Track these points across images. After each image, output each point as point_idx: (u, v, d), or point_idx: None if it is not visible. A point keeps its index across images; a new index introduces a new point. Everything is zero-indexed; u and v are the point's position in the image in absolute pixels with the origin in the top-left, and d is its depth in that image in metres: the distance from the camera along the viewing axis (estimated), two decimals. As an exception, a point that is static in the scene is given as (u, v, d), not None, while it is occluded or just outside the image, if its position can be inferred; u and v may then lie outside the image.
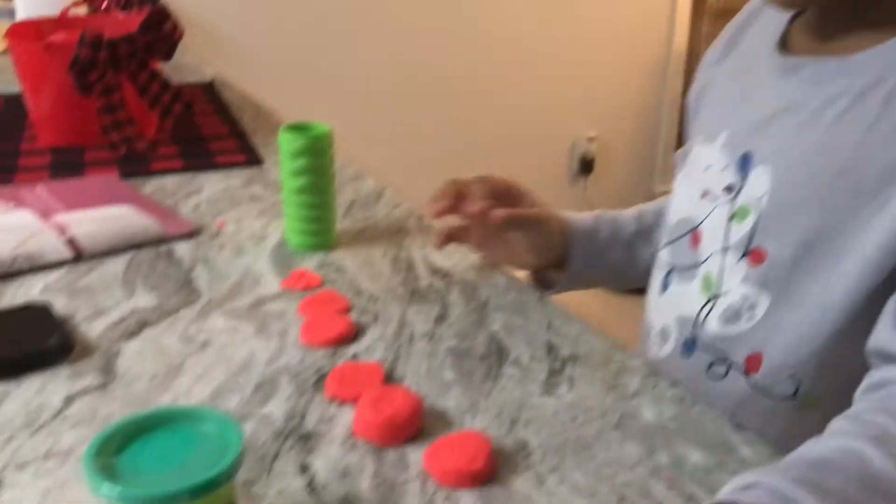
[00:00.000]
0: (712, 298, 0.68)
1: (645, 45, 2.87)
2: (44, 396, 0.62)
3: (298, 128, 0.86)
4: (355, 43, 2.46)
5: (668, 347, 0.73)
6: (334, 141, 0.87)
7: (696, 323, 0.69)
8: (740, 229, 0.66)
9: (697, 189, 0.72)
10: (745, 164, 0.67)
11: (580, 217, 0.87)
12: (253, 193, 1.06)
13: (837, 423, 0.51)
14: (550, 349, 0.70)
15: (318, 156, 0.85)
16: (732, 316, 0.66)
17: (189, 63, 1.74)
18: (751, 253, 0.65)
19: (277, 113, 1.45)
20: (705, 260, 0.70)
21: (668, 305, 0.73)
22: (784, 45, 0.70)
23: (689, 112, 0.82)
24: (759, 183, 0.65)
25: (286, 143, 0.84)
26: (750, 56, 0.74)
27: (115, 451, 0.43)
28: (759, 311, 0.64)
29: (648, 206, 0.89)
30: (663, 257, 0.76)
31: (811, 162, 0.63)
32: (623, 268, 0.88)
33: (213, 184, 1.09)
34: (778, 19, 0.72)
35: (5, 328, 0.69)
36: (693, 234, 0.72)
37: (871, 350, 0.57)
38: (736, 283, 0.66)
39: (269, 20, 2.34)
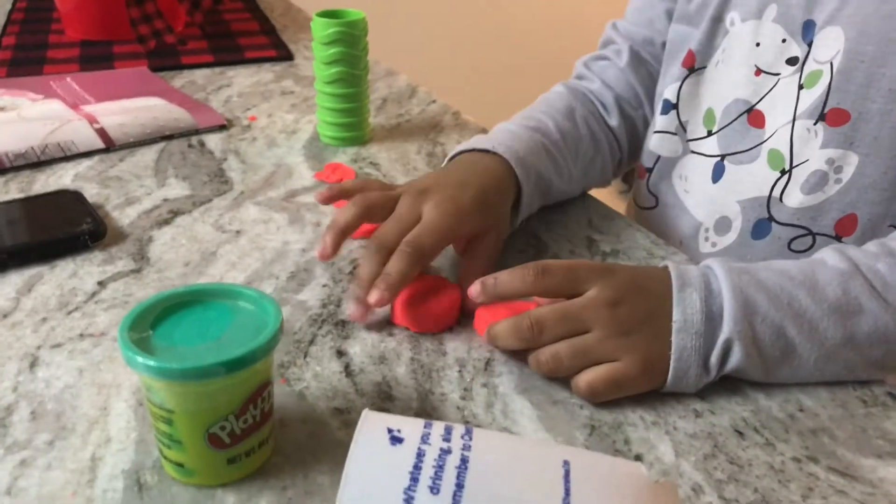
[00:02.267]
0: (785, 172, 0.65)
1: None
2: (77, 280, 0.61)
3: (332, 14, 0.83)
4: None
5: (732, 236, 0.70)
6: (368, 32, 0.84)
7: (771, 201, 0.67)
8: (810, 95, 0.64)
9: (747, 68, 0.69)
10: (807, 31, 0.65)
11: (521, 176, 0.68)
12: (284, 88, 1.03)
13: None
14: (591, 244, 0.68)
15: (351, 43, 0.82)
16: (816, 183, 0.64)
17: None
18: (827, 116, 0.63)
19: (308, 10, 1.40)
20: (770, 136, 0.67)
21: (727, 192, 0.70)
22: None
23: None
24: (827, 45, 0.63)
25: (319, 29, 0.81)
26: None
27: (150, 325, 0.42)
28: (848, 172, 0.63)
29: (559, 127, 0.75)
30: (706, 147, 0.72)
31: (881, 11, 0.60)
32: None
33: (243, 78, 1.07)
34: None
35: (38, 213, 0.69)
36: (750, 113, 0.69)
37: None
38: (814, 149, 0.64)
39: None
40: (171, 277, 0.62)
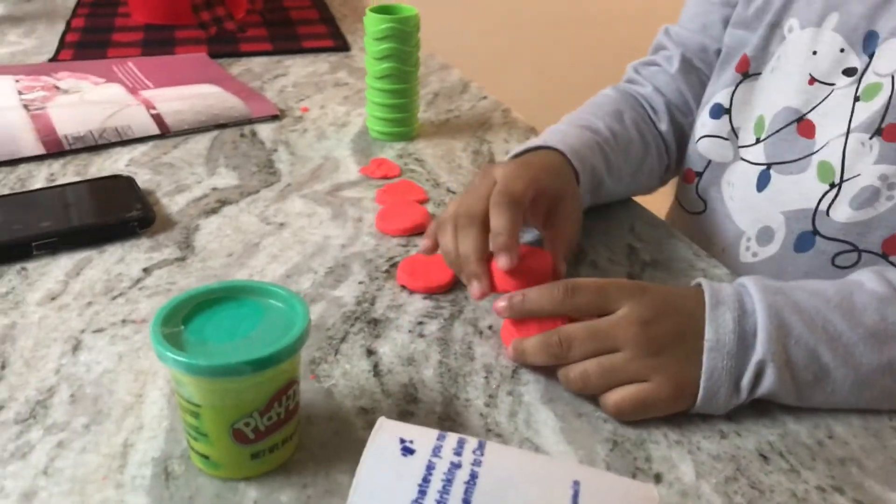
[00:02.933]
0: (834, 186, 0.64)
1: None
2: (124, 266, 0.63)
3: (385, 10, 0.84)
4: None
5: (774, 247, 0.69)
6: (421, 28, 0.84)
7: (817, 214, 0.65)
8: (867, 108, 0.62)
9: (801, 76, 0.67)
10: (869, 42, 0.63)
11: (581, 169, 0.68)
12: (338, 79, 1.05)
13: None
14: (631, 252, 0.68)
15: (402, 39, 0.82)
16: (867, 199, 0.62)
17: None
18: (885, 130, 0.61)
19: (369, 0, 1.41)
20: (821, 148, 0.65)
21: (771, 203, 0.69)
22: None
23: None
24: (889, 58, 0.61)
25: (371, 24, 0.82)
26: None
27: (182, 320, 0.43)
28: None
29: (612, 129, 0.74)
30: (753, 155, 0.71)
31: None
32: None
33: (299, 67, 1.08)
34: None
35: (91, 198, 0.71)
36: (800, 123, 0.67)
37: None
38: (867, 164, 0.62)
39: None
40: (214, 267, 0.63)
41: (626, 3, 2.65)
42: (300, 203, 0.74)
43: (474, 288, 0.55)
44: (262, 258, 0.65)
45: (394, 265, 0.64)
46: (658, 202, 0.82)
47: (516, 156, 0.68)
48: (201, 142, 0.85)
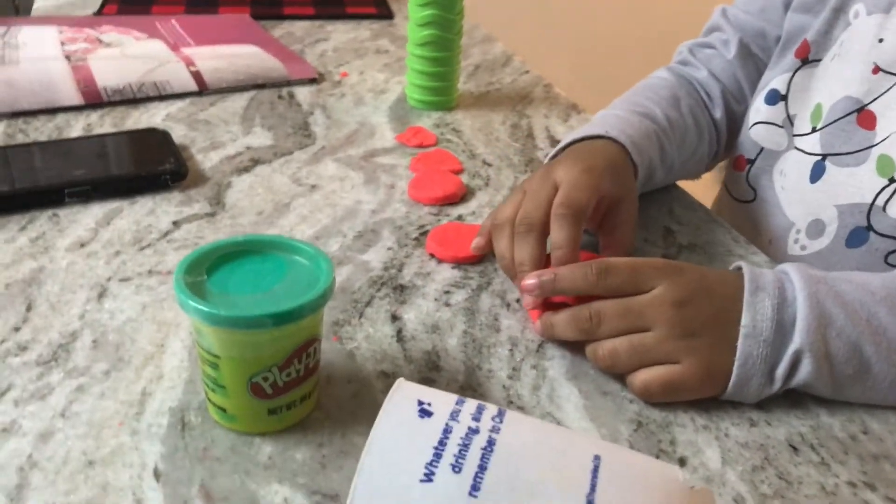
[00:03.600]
0: (893, 181, 0.61)
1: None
2: (154, 218, 0.63)
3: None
4: None
5: (825, 240, 0.66)
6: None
7: (873, 209, 0.63)
8: None
9: (864, 64, 0.64)
10: None
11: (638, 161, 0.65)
12: (379, 46, 1.03)
13: None
14: (668, 235, 0.66)
15: (446, 6, 0.81)
16: None
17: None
18: None
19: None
20: (882, 141, 0.62)
21: (825, 195, 0.66)
22: None
23: None
24: None
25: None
26: None
27: (207, 270, 0.42)
28: None
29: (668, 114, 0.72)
30: (809, 144, 0.68)
31: None
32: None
33: (341, 33, 1.07)
34: None
35: (126, 149, 0.71)
36: (860, 113, 0.64)
37: None
38: None
39: None
40: (244, 224, 0.63)
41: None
42: (333, 166, 0.73)
43: (527, 298, 0.53)
44: (291, 218, 0.64)
45: (424, 233, 0.63)
46: (702, 189, 0.80)
47: (573, 142, 0.65)
48: (238, 101, 0.85)
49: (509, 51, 1.05)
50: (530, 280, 0.51)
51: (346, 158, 0.74)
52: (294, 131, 0.79)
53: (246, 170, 0.71)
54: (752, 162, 0.74)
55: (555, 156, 0.65)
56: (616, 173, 0.60)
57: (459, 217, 0.66)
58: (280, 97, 0.86)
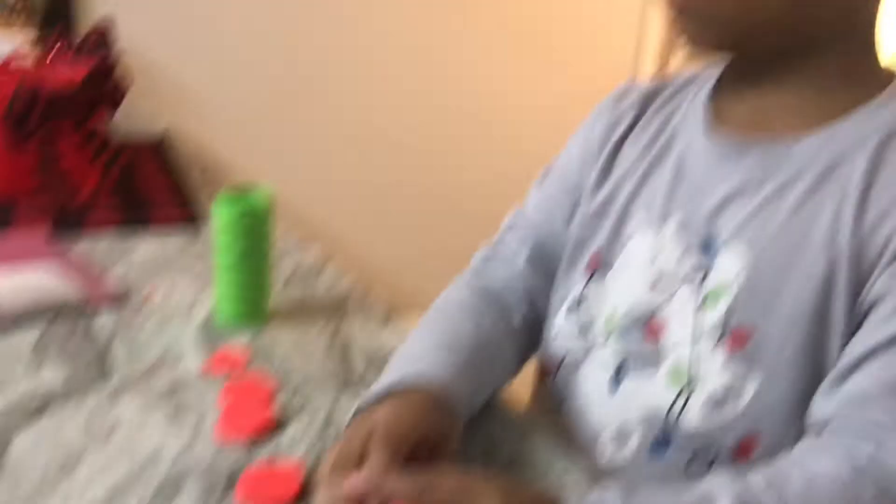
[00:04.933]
0: (685, 389, 0.64)
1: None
2: (-85, 493, 0.55)
3: (237, 195, 0.82)
4: (320, 96, 2.43)
5: (630, 449, 0.68)
6: (276, 207, 0.83)
7: (669, 418, 0.65)
8: (713, 314, 0.63)
9: (646, 276, 0.68)
10: (708, 247, 0.65)
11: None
12: (188, 258, 1.01)
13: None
14: (490, 448, 0.65)
15: (254, 228, 0.80)
16: (717, 404, 0.62)
17: (141, 113, 1.69)
18: (730, 335, 0.62)
19: (230, 169, 1.40)
20: (669, 351, 0.66)
21: (624, 405, 0.68)
22: (711, 125, 0.69)
23: (597, 149, 0.77)
24: (729, 263, 0.64)
25: (221, 212, 0.80)
26: (673, 135, 0.71)
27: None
28: (748, 394, 0.62)
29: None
30: (604, 356, 0.70)
31: (783, 239, 0.62)
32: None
33: (148, 245, 1.04)
34: (696, 101, 0.71)
35: None
36: (648, 324, 0.68)
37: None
38: (715, 369, 0.63)
39: (228, 71, 2.29)
40: (26, 490, 0.56)
41: (482, 173, 2.76)
42: (133, 406, 0.68)
43: None
44: (83, 473, 0.59)
45: (235, 477, 0.59)
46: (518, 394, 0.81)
47: (378, 399, 0.60)
48: (28, 333, 0.78)
49: (324, 255, 1.05)
50: (351, 482, 0.49)
51: (147, 395, 0.70)
52: (90, 365, 0.74)
53: (33, 417, 0.65)
54: (556, 370, 0.76)
55: (364, 406, 0.62)
56: (431, 416, 0.59)
57: (275, 449, 0.63)
58: (77, 325, 0.81)
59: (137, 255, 1.00)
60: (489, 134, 2.74)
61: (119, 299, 0.87)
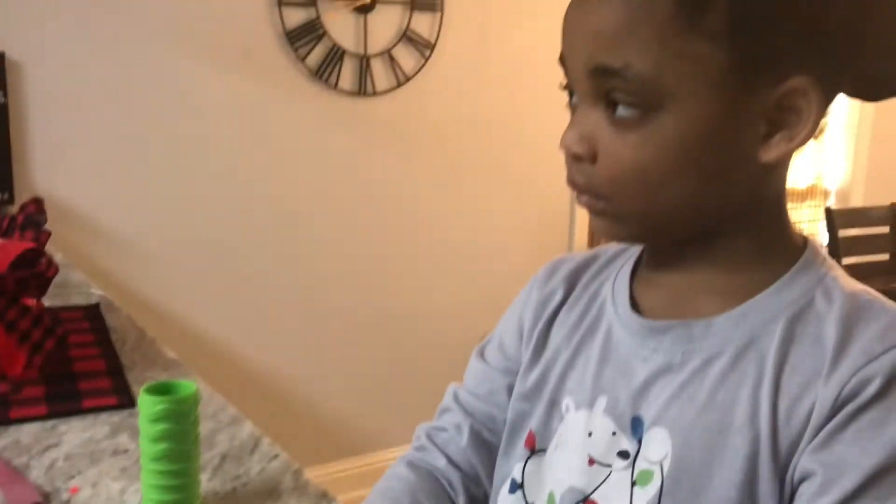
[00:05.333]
0: None
1: (547, 241, 2.95)
2: None
3: (162, 387, 0.81)
4: (265, 257, 2.44)
5: None
6: (200, 399, 0.82)
7: None
8: (644, 494, 0.63)
9: (581, 456, 0.69)
10: (636, 428, 0.65)
11: None
12: (118, 445, 0.99)
13: None
14: None
15: (179, 419, 0.79)
16: None
17: (77, 282, 1.69)
18: None
19: (167, 335, 1.39)
20: None
21: None
22: (634, 304, 0.70)
23: (529, 327, 0.78)
24: (656, 446, 0.63)
25: (146, 406, 0.79)
26: (600, 312, 0.73)
27: None
28: None
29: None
30: None
31: (705, 420, 0.62)
32: None
33: (75, 433, 1.01)
34: (619, 279, 0.73)
35: None
36: (585, 503, 0.67)
37: None
38: None
39: (167, 238, 2.30)
40: None
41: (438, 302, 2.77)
42: None
43: None
44: None
45: None
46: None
47: None
48: (-57, 548, 0.75)
49: (257, 432, 1.04)
50: None
51: None
52: (8, 581, 0.70)
53: None
54: None
55: None
56: None
57: None
58: (-5, 534, 0.78)
59: (65, 445, 0.98)
60: (442, 277, 2.78)
61: (41, 502, 0.84)
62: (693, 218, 0.64)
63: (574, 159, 0.64)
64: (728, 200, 0.63)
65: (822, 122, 0.63)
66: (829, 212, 3.07)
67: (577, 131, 0.62)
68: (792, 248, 0.66)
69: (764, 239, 0.65)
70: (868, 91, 0.65)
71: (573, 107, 0.65)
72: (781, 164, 0.63)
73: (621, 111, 0.60)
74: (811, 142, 0.62)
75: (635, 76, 0.58)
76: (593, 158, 0.62)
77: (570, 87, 0.65)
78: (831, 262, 0.66)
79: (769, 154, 0.61)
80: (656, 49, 0.58)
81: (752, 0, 0.57)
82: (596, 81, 0.60)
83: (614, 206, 0.64)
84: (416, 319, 2.75)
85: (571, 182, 0.66)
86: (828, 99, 0.61)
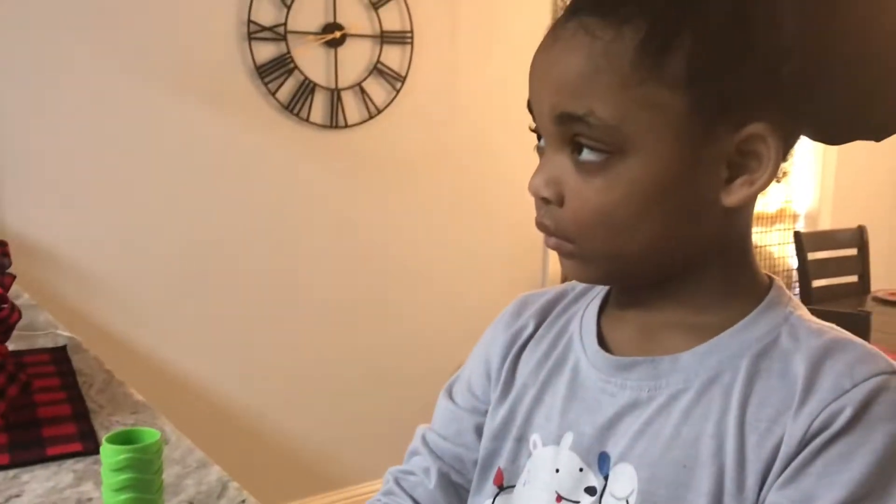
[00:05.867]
0: None
1: (521, 271, 2.96)
2: None
3: (125, 436, 0.80)
4: (228, 304, 2.42)
5: None
6: (163, 448, 0.81)
7: None
8: None
9: (548, 493, 0.69)
10: (602, 464, 0.66)
11: None
12: (82, 494, 0.97)
13: None
14: None
15: (143, 469, 0.78)
16: None
17: (43, 324, 1.67)
18: None
19: (133, 375, 1.37)
20: None
21: None
22: (601, 340, 0.71)
23: (497, 366, 0.78)
24: (622, 482, 0.64)
25: (108, 456, 0.78)
26: (567, 348, 0.73)
27: None
28: None
29: None
30: None
31: (670, 455, 0.62)
32: None
33: (39, 482, 1.00)
34: (586, 315, 0.74)
35: None
36: None
37: None
38: None
39: (136, 274, 2.28)
40: None
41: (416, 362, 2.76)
42: None
43: None
44: None
45: None
46: None
47: None
48: None
49: (224, 476, 1.02)
50: None
51: None
52: None
53: None
54: None
55: None
56: None
57: None
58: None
59: (28, 495, 0.96)
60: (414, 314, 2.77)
61: (2, 554, 0.82)
62: (659, 259, 0.65)
63: (542, 202, 0.65)
64: (693, 242, 0.64)
65: (784, 165, 0.64)
66: (797, 235, 3.11)
67: (545, 175, 0.64)
68: (757, 286, 0.67)
69: (730, 278, 0.66)
70: (826, 136, 0.67)
71: (541, 150, 0.66)
72: (745, 207, 0.64)
73: (587, 155, 0.61)
74: (773, 183, 0.63)
75: (599, 123, 0.59)
76: (561, 202, 0.63)
77: (537, 131, 0.66)
78: (796, 301, 0.67)
79: (731, 198, 0.62)
80: (619, 96, 0.59)
81: (710, 50, 0.58)
82: (561, 127, 0.62)
83: (581, 248, 0.65)
84: (391, 351, 2.74)
85: (540, 224, 0.67)
86: (787, 144, 0.63)
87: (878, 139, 0.66)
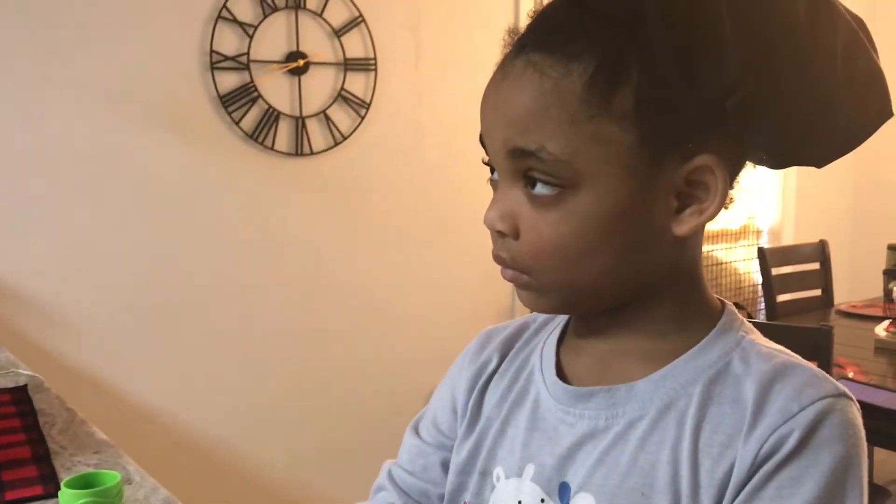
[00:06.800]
0: None
1: (490, 296, 2.96)
2: None
3: (85, 479, 0.79)
4: (202, 333, 2.41)
5: None
6: (124, 489, 0.80)
7: None
8: None
9: None
10: (563, 494, 0.66)
11: None
12: (43, 538, 0.95)
13: None
14: None
15: (103, 511, 0.77)
16: None
17: (4, 363, 1.64)
18: None
19: (95, 411, 1.35)
20: None
21: None
22: (560, 371, 0.71)
23: (463, 401, 0.78)
24: None
25: (66, 501, 0.77)
26: (529, 380, 0.74)
27: None
28: None
29: None
30: None
31: (628, 483, 0.63)
32: None
33: (-2, 528, 0.98)
34: (546, 347, 0.74)
35: None
36: None
37: None
38: None
39: (99, 307, 2.26)
40: None
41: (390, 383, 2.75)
42: None
43: None
44: None
45: None
46: None
47: None
48: None
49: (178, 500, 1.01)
50: None
51: None
52: None
53: None
54: None
55: None
56: None
57: None
58: None
59: (-15, 542, 0.94)
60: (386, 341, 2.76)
61: None
62: (612, 289, 0.66)
63: (498, 235, 0.65)
64: (645, 271, 0.65)
65: (731, 193, 0.66)
66: (761, 251, 3.15)
67: (500, 209, 0.64)
68: (710, 312, 0.68)
69: (682, 305, 0.67)
70: (770, 163, 0.69)
71: (494, 183, 0.67)
72: (695, 235, 0.65)
73: (539, 189, 0.62)
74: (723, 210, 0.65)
75: (550, 157, 0.60)
76: (516, 235, 0.64)
77: (491, 165, 0.66)
78: (748, 325, 0.68)
79: (681, 227, 0.63)
80: (569, 132, 0.60)
81: (657, 86, 0.60)
82: (514, 161, 0.62)
83: (537, 279, 0.65)
84: (358, 381, 2.72)
85: (497, 257, 0.67)
86: (734, 172, 0.64)
87: (819, 166, 0.68)
